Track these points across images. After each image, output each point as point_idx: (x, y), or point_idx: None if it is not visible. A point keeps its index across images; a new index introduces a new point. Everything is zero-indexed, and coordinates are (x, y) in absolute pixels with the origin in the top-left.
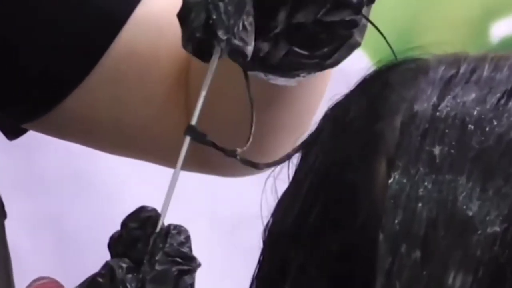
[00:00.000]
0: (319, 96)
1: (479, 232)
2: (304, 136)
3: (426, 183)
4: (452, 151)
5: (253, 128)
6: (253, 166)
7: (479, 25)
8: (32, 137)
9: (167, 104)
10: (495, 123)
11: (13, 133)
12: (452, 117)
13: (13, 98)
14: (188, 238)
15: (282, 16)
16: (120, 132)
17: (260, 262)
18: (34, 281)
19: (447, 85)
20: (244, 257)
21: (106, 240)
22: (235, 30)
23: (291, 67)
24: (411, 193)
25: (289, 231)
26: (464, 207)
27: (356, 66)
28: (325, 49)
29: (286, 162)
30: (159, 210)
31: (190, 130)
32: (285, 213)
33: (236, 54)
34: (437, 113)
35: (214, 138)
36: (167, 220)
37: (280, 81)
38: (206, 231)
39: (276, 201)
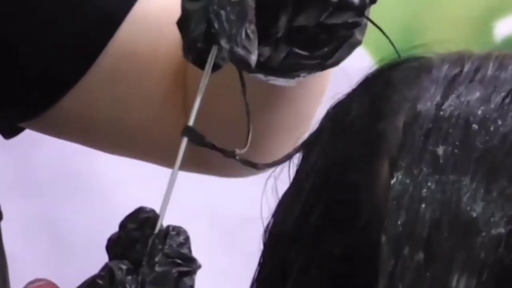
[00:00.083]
0: (319, 96)
1: (483, 233)
2: (305, 136)
3: (429, 184)
4: (456, 151)
5: (250, 131)
6: (253, 166)
7: (482, 23)
8: (26, 137)
9: (166, 104)
10: (499, 122)
11: (10, 132)
12: (456, 116)
13: (10, 97)
14: (187, 239)
15: (283, 21)
16: (118, 132)
17: (260, 264)
18: (30, 283)
19: (451, 84)
20: (244, 258)
21: (102, 241)
22: (238, 39)
23: (291, 69)
24: (414, 193)
25: (290, 232)
26: (468, 208)
27: (358, 64)
28: (326, 49)
29: (287, 163)
30: (157, 211)
31: (188, 131)
32: (286, 214)
33: (239, 63)
34: (441, 113)
35: (213, 139)
36: (167, 221)
37: (280, 81)
38: (206, 232)
39: (277, 201)
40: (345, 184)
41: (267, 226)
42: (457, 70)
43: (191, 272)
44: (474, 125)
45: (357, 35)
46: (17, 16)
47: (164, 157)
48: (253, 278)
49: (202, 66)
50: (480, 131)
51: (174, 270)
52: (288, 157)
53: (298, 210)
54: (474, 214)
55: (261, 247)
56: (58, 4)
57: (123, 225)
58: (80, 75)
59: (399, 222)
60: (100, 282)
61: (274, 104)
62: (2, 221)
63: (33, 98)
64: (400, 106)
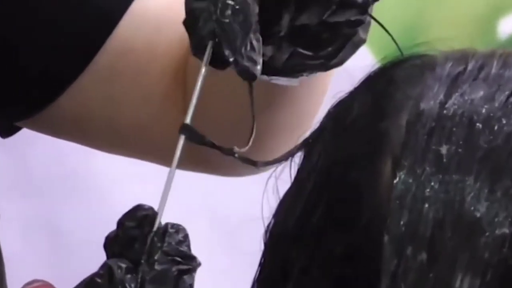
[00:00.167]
0: (321, 95)
1: (487, 234)
2: (306, 134)
3: (432, 183)
4: (460, 150)
5: (254, 131)
6: (252, 164)
7: (486, 21)
8: (24, 137)
9: (165, 103)
10: (504, 121)
11: (7, 131)
12: (459, 115)
13: (7, 96)
14: (186, 237)
15: (286, 19)
16: (116, 131)
17: (261, 264)
18: (28, 284)
19: (455, 82)
20: (245, 258)
21: (100, 241)
22: (243, 50)
23: (295, 69)
24: (417, 193)
25: (291, 232)
26: (472, 208)
27: (360, 63)
28: (329, 49)
29: (288, 162)
30: (155, 208)
31: (185, 129)
32: (287, 214)
33: (245, 74)
34: (444, 111)
35: (213, 138)
36: (167, 220)
37: (282, 81)
38: (206, 232)
39: (278, 201)
40: (347, 184)
41: (268, 226)
42: (460, 68)
43: (191, 270)
44: (478, 124)
45: (361, 33)
46: (16, 15)
47: (164, 156)
48: (254, 278)
49: (214, 64)
50: (484, 130)
51: (174, 268)
52: (289, 155)
53: (299, 210)
54: (478, 214)
55: (262, 247)
56: (58, 3)
57: (121, 223)
58: (77, 74)
59: (402, 222)
60: (99, 280)
61: (276, 103)
62: (0, 221)
63: (30, 97)
64: (403, 104)
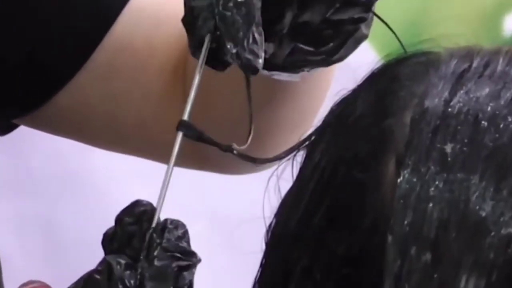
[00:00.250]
0: (324, 92)
1: (493, 233)
2: (308, 132)
3: (437, 183)
4: (465, 148)
5: (252, 129)
6: (251, 160)
7: (491, 18)
8: (20, 134)
9: (164, 99)
10: (509, 119)
11: (3, 129)
12: (464, 113)
13: (3, 93)
14: (185, 233)
15: (288, 18)
16: (115, 129)
17: (262, 265)
18: (23, 284)
19: (459, 79)
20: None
21: (98, 241)
22: (245, 43)
23: (296, 65)
24: (421, 193)
25: (293, 232)
26: (477, 207)
27: (363, 60)
28: (331, 44)
29: (290, 161)
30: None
31: (182, 125)
32: (288, 214)
33: (247, 68)
34: (449, 109)
35: (214, 136)
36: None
37: (284, 76)
38: (206, 232)
39: (280, 201)
40: (350, 183)
41: (269, 226)
42: (465, 66)
43: (191, 266)
44: (483, 122)
45: (363, 29)
46: (15, 13)
47: (164, 154)
48: (255, 279)
49: (211, 64)
50: (489, 128)
51: (173, 265)
52: (289, 152)
53: (301, 210)
54: (483, 214)
55: (262, 247)
56: (56, 1)
57: (119, 219)
58: (75, 71)
59: (405, 222)
60: (98, 277)
61: (277, 100)
62: None
63: (28, 94)
64: (407, 102)
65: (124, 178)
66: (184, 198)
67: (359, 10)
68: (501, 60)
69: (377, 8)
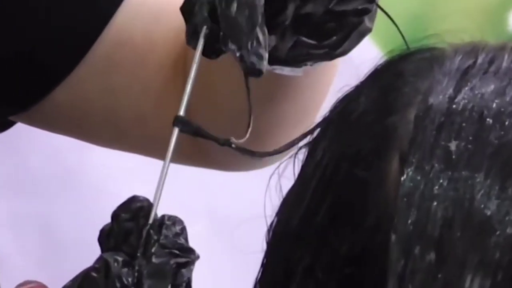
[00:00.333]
0: (326, 87)
1: (498, 233)
2: (309, 127)
3: (441, 181)
4: (469, 146)
5: (251, 123)
6: (250, 154)
7: (496, 13)
8: (16, 132)
9: (164, 94)
10: None
11: (0, 126)
12: (469, 110)
13: (0, 89)
14: (183, 229)
15: (291, 10)
16: (115, 125)
17: (263, 265)
18: (20, 285)
19: (464, 76)
20: (246, 258)
21: (95, 240)
22: (249, 46)
23: (298, 59)
24: (425, 191)
25: (294, 231)
26: (482, 206)
27: (366, 56)
28: (334, 38)
29: (291, 158)
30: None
31: (178, 121)
32: (290, 212)
33: (251, 71)
34: (454, 106)
35: (216, 132)
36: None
37: (286, 71)
38: (206, 232)
39: (281, 199)
40: (352, 181)
41: (270, 225)
42: (470, 62)
43: (189, 263)
44: (488, 119)
45: (367, 22)
46: (10, 6)
47: (163, 150)
48: (256, 279)
49: (206, 53)
50: (494, 125)
51: (172, 261)
52: (289, 145)
53: (303, 208)
54: (488, 213)
55: (263, 246)
56: None
57: (115, 215)
58: (73, 65)
59: (409, 221)
60: (95, 275)
61: (279, 95)
62: None
63: (25, 90)
64: (411, 99)
65: (122, 176)
66: (184, 198)
67: (362, 1)
68: (506, 56)
69: (381, 3)
